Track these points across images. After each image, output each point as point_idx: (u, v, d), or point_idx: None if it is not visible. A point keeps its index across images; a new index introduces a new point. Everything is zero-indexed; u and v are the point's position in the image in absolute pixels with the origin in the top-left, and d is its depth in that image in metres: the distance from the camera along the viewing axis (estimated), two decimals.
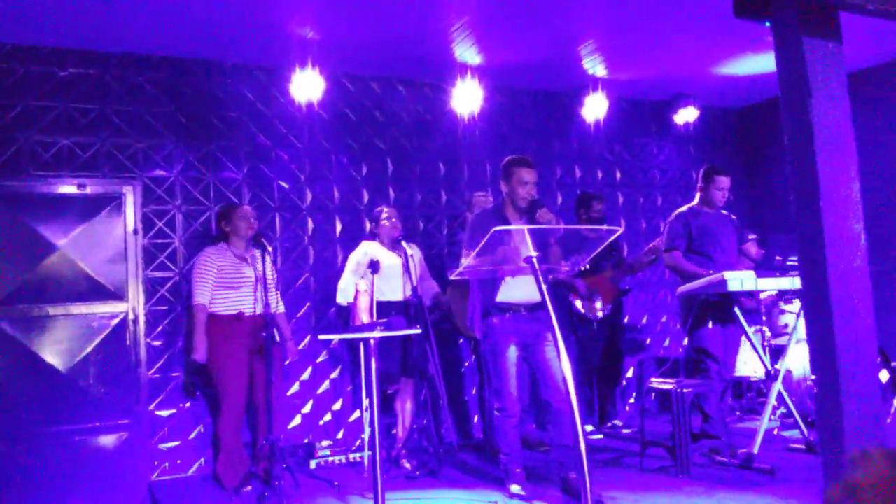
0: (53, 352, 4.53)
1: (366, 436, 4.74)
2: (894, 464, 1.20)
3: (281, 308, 4.64)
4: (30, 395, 4.43)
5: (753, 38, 5.05)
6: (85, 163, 4.67)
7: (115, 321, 4.68)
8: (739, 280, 4.14)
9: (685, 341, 5.03)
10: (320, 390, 5.25)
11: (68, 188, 4.64)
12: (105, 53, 4.75)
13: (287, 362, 4.69)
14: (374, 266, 4.55)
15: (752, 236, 6.08)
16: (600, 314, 5.38)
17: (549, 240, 3.71)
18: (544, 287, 3.24)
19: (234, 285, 4.37)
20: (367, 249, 4.74)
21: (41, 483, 4.39)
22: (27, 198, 4.53)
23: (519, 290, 3.80)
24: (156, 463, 4.73)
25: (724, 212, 4.83)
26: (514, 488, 3.80)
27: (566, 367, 3.04)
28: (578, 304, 5.35)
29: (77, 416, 4.51)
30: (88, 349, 4.60)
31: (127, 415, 4.65)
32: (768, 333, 5.46)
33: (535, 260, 3.20)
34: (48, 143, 4.59)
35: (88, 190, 4.67)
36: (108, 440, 4.59)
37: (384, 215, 4.80)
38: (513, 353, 3.82)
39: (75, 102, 4.67)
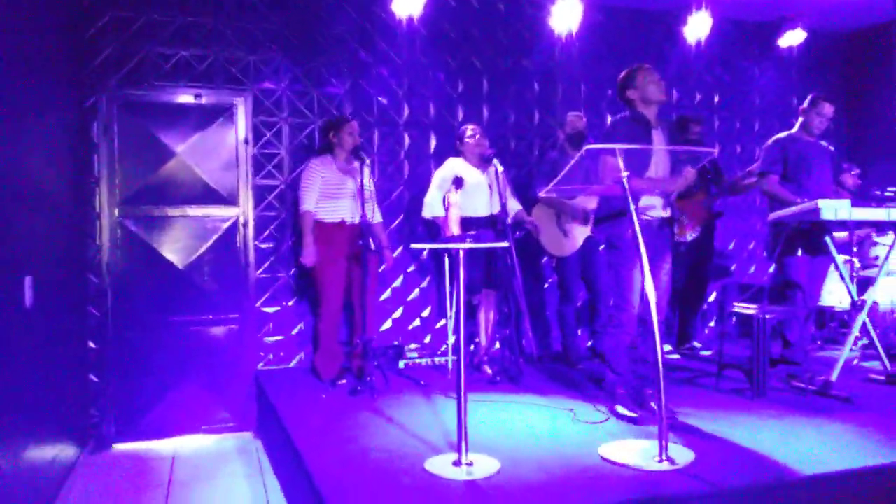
0: (172, 249, 4.86)
1: (450, 341, 5.00)
2: None
3: (378, 218, 4.82)
4: (151, 288, 4.80)
5: None
6: (201, 74, 4.89)
7: (227, 224, 4.97)
8: (834, 209, 4.04)
9: (772, 269, 4.98)
10: (410, 297, 5.52)
11: (186, 97, 4.87)
12: None
13: (381, 268, 4.94)
14: (458, 182, 4.62)
15: (854, 171, 5.93)
16: (689, 237, 5.37)
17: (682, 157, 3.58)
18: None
19: (337, 195, 4.60)
20: (454, 166, 4.80)
21: (161, 367, 4.81)
22: (149, 106, 4.79)
23: (651, 201, 3.71)
24: (261, 354, 5.12)
25: (823, 143, 4.75)
26: (621, 409, 3.71)
27: (656, 287, 3.10)
28: None
29: (192, 309, 4.88)
30: (203, 249, 4.91)
31: (236, 310, 4.99)
32: (857, 265, 5.36)
33: (624, 179, 3.13)
34: (168, 54, 4.82)
35: (204, 100, 4.91)
36: (219, 331, 4.96)
37: (468, 132, 4.82)
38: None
39: (192, 16, 4.86)
